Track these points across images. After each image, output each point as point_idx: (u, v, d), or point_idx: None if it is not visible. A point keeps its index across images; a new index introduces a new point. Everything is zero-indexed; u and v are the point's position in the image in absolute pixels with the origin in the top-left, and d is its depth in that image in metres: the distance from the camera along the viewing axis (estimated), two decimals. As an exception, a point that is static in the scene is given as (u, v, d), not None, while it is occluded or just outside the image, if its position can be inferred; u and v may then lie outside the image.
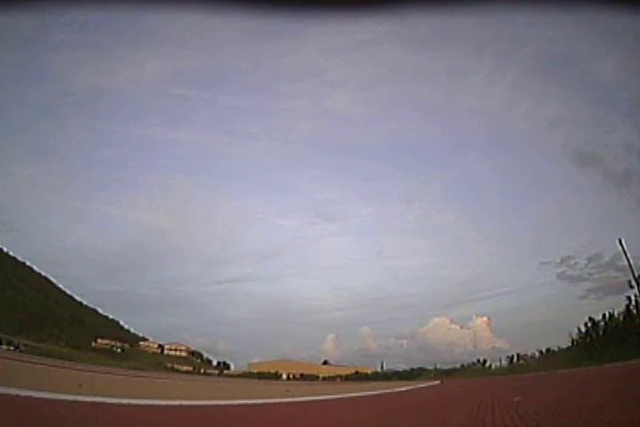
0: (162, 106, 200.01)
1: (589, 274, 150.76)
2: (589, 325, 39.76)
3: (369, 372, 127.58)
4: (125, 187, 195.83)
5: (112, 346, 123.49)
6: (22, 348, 27.96)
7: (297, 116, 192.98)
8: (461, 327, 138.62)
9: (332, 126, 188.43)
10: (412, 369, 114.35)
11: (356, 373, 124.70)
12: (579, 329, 40.91)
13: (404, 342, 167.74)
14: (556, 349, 51.60)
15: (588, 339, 39.21)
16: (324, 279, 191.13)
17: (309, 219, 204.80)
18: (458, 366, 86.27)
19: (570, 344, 47.07)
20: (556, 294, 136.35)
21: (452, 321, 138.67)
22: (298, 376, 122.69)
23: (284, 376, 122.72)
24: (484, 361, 73.66)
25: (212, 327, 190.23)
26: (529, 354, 59.88)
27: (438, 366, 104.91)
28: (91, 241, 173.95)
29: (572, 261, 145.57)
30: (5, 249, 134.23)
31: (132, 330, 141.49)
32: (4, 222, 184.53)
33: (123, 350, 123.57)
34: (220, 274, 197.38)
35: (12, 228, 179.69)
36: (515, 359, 61.65)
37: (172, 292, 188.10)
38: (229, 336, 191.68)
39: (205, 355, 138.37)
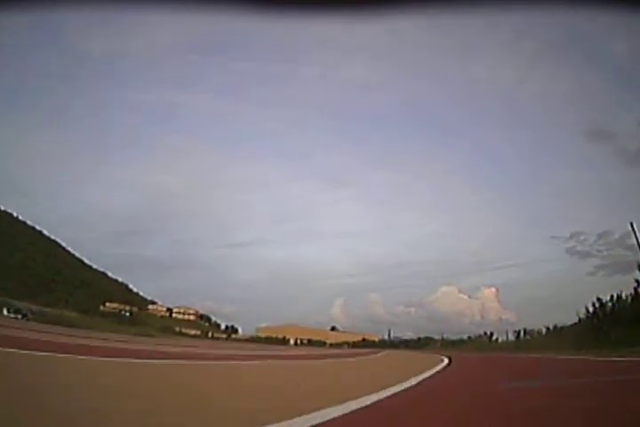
0: (176, 72, 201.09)
1: (598, 251, 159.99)
2: (597, 305, 37.14)
3: (376, 339, 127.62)
4: (138, 151, 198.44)
5: (120, 310, 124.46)
6: (29, 316, 26.29)
7: (311, 83, 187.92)
8: (470, 297, 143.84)
9: (345, 94, 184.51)
10: (420, 338, 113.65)
11: (364, 340, 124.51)
12: (586, 308, 38.40)
13: (413, 309, 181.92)
14: (563, 326, 50.17)
15: (595, 319, 36.83)
16: (333, 245, 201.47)
17: (321, 185, 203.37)
18: (465, 337, 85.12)
19: (577, 322, 44.74)
20: (565, 270, 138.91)
21: (460, 291, 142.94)
22: (305, 342, 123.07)
23: (292, 342, 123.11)
24: (491, 334, 71.99)
25: (221, 290, 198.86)
26: (535, 329, 58.11)
27: (445, 336, 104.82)
28: (102, 204, 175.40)
29: (581, 237, 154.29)
30: (15, 214, 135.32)
31: (140, 293, 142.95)
32: (17, 188, 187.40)
33: (131, 313, 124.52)
34: (230, 237, 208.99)
35: (24, 193, 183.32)
36: (522, 334, 59.28)
37: (181, 255, 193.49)
38: (237, 299, 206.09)
39: (213, 318, 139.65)
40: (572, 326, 44.74)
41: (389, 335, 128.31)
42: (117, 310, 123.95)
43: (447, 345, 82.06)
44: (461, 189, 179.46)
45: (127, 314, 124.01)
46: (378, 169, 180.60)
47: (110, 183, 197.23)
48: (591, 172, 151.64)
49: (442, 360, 18.33)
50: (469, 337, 79.33)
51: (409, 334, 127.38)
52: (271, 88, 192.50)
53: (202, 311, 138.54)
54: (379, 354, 39.48)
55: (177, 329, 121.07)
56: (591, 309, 37.86)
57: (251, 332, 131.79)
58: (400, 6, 1.76)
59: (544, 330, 57.98)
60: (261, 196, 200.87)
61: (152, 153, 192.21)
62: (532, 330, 60.44)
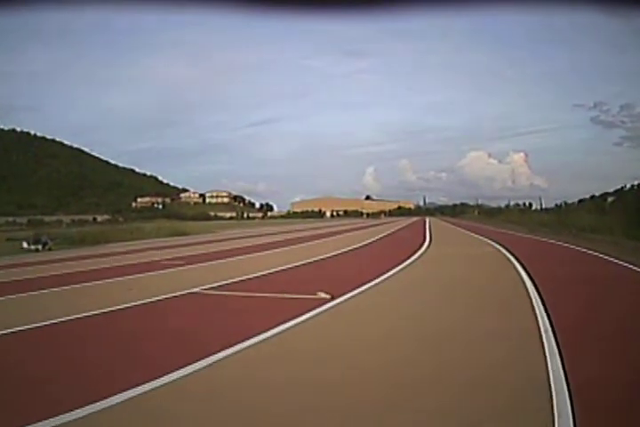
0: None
1: (622, 122, 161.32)
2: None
3: (411, 206, 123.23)
4: (143, 50, 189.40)
5: (153, 203, 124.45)
6: (50, 244, 21.92)
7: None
8: (499, 162, 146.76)
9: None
10: (455, 205, 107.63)
11: (399, 208, 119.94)
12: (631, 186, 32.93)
13: (444, 175, 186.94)
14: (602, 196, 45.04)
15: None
16: (358, 115, 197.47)
17: (338, 57, 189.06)
18: (502, 204, 79.07)
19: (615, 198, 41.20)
20: (591, 138, 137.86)
21: (490, 155, 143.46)
22: (341, 213, 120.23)
23: (328, 214, 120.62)
24: (530, 205, 64.65)
25: (251, 170, 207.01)
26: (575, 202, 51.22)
27: (480, 202, 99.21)
28: (117, 106, 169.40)
29: (604, 107, 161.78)
30: (32, 131, 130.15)
31: (171, 184, 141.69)
32: (28, 106, 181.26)
33: (164, 205, 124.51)
34: (253, 117, 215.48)
35: (36, 109, 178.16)
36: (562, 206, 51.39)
37: (206, 140, 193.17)
38: (269, 177, 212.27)
39: (247, 198, 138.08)
40: (612, 201, 41.10)
41: (424, 202, 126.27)
42: (150, 204, 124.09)
43: (485, 214, 75.03)
44: (482, 56, 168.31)
45: (159, 206, 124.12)
46: (395, 37, 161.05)
47: (122, 85, 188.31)
48: (612, 43, 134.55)
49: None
50: (507, 206, 73.61)
51: (443, 200, 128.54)
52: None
53: (235, 193, 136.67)
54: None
55: (212, 214, 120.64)
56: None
57: (287, 207, 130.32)
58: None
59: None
60: (278, 73, 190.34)
61: (157, 49, 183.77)
62: (573, 203, 53.46)
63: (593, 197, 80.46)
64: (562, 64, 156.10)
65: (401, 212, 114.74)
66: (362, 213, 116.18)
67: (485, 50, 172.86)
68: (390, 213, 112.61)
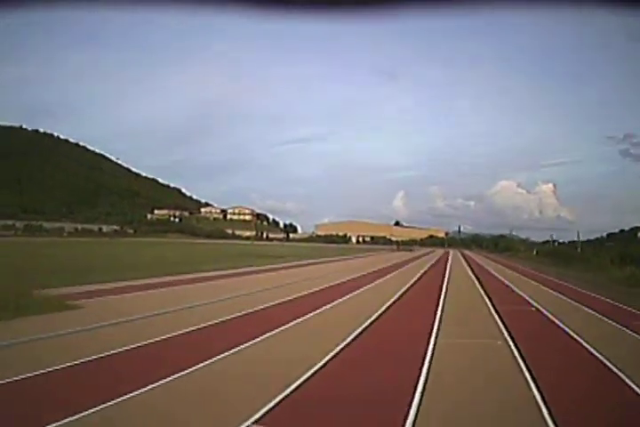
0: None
1: None
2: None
3: (443, 235, 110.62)
4: (181, 62, 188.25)
5: (170, 216, 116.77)
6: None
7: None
8: (528, 192, 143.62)
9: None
10: (493, 237, 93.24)
11: (431, 236, 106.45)
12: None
13: (472, 203, 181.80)
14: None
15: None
16: (391, 138, 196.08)
17: (375, 79, 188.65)
18: (548, 238, 67.64)
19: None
20: (619, 171, 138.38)
21: (518, 185, 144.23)
22: (368, 239, 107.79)
23: (354, 239, 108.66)
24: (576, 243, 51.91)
25: (281, 188, 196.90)
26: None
27: (526, 238, 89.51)
28: (150, 116, 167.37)
29: (634, 140, 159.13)
30: (56, 134, 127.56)
31: (194, 197, 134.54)
32: (59, 109, 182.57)
33: (180, 219, 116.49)
34: (287, 135, 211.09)
35: (67, 113, 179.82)
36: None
37: (238, 155, 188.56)
38: (299, 196, 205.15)
39: (271, 217, 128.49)
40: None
41: (459, 231, 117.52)
42: (167, 217, 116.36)
43: (531, 250, 60.45)
44: (514, 83, 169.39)
45: (176, 220, 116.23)
46: (430, 62, 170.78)
47: (157, 95, 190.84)
48: None
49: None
50: (554, 241, 60.89)
51: (469, 228, 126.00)
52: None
53: (261, 210, 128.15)
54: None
55: (229, 232, 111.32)
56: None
57: (311, 228, 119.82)
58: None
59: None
60: (314, 92, 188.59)
61: (194, 62, 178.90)
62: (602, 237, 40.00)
63: (622, 231, 73.96)
64: (593, 95, 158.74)
65: (432, 241, 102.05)
66: (391, 241, 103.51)
67: (517, 79, 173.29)
68: (421, 243, 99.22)
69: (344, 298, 13.18)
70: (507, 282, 21.69)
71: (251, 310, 10.20)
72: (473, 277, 24.27)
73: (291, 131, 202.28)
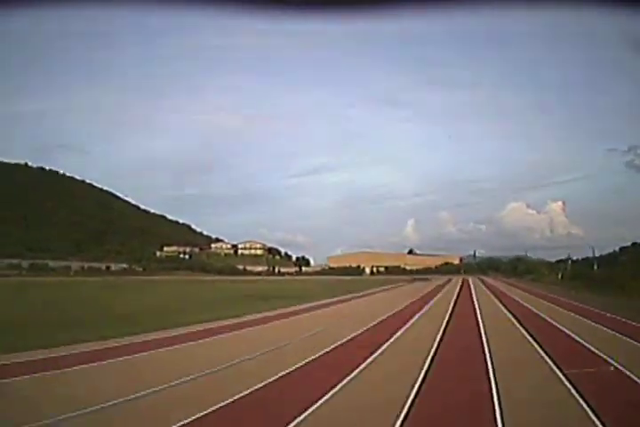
0: (215, 13, 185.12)
1: None
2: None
3: (457, 262, 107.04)
4: (188, 94, 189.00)
5: (180, 253, 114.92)
6: None
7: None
8: (538, 212, 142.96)
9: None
10: (510, 260, 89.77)
11: (446, 264, 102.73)
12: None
13: (483, 227, 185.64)
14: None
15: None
16: (398, 165, 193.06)
17: (378, 106, 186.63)
18: (559, 256, 64.97)
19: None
20: (626, 183, 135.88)
21: (528, 206, 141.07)
22: (382, 269, 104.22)
23: (367, 271, 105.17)
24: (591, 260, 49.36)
25: (291, 221, 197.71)
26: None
27: (539, 258, 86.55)
28: (159, 150, 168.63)
29: (639, 151, 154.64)
30: (61, 171, 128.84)
31: (204, 232, 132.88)
32: (67, 145, 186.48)
33: (190, 256, 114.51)
34: (295, 167, 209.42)
35: (75, 149, 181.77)
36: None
37: (247, 189, 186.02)
38: (309, 228, 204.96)
39: (283, 251, 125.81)
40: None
41: (474, 256, 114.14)
42: (176, 254, 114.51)
43: (554, 272, 56.64)
44: (515, 103, 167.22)
45: (186, 257, 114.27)
46: (433, 87, 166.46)
47: (165, 129, 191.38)
48: None
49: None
50: (570, 259, 57.81)
51: (481, 251, 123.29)
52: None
53: (271, 244, 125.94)
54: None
55: (241, 267, 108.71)
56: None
57: (324, 261, 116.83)
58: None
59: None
60: (320, 123, 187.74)
61: (202, 95, 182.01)
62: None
63: (635, 243, 71.49)
64: (595, 108, 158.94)
65: (448, 268, 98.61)
66: (405, 270, 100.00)
67: (518, 99, 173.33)
68: (436, 271, 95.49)
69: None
70: (552, 321, 16.46)
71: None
72: (510, 316, 18.50)
73: (299, 162, 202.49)
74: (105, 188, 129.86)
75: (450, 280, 62.84)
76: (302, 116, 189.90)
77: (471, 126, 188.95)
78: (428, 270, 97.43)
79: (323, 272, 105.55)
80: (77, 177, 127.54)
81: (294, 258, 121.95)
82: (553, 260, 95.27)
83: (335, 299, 28.93)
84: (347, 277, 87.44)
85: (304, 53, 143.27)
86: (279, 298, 28.22)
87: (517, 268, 77.12)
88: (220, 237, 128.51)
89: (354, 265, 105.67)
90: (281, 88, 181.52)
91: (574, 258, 75.79)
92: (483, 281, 60.67)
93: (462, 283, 51.89)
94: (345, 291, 36.76)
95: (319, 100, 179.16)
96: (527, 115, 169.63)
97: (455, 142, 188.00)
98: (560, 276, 51.81)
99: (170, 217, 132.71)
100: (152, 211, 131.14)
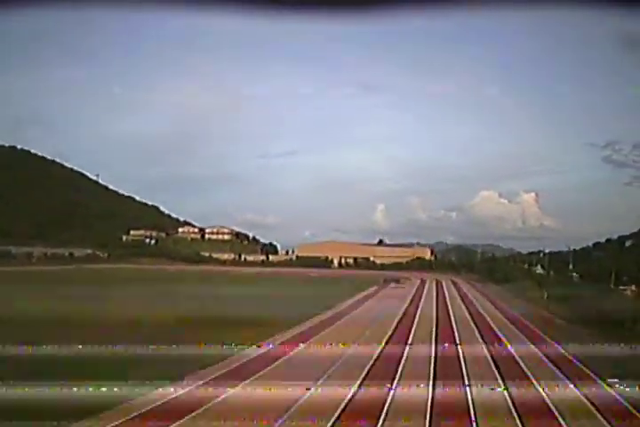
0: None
1: (634, 161, 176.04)
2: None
3: (429, 257, 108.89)
4: (162, 75, 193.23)
5: (146, 237, 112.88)
6: None
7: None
8: (509, 202, 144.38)
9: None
10: (484, 256, 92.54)
11: (417, 258, 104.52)
12: None
13: (454, 214, 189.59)
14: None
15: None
16: (370, 150, 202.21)
17: (353, 92, 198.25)
18: (530, 248, 68.38)
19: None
20: (602, 178, 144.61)
21: (500, 195, 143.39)
22: (350, 261, 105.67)
23: (335, 262, 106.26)
24: (574, 250, 52.49)
25: (261, 202, 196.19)
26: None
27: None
28: (133, 129, 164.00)
29: (616, 146, 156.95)
30: (33, 150, 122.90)
31: (172, 215, 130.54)
32: (39, 123, 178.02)
33: (156, 241, 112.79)
34: (268, 149, 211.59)
35: (45, 127, 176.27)
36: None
37: (218, 170, 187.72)
38: (279, 210, 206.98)
39: (251, 235, 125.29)
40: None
41: (446, 244, 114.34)
42: (142, 238, 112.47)
43: (532, 279, 58.22)
44: (492, 92, 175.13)
45: (152, 242, 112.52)
46: (407, 73, 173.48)
47: (138, 109, 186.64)
48: (625, 81, 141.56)
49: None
50: (540, 251, 60.68)
51: (451, 239, 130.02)
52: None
53: (241, 225, 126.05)
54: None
55: (207, 255, 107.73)
56: None
57: (293, 243, 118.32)
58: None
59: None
60: (295, 107, 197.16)
61: (178, 76, 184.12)
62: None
63: (609, 240, 73.96)
64: (574, 101, 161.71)
65: (420, 263, 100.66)
66: (374, 264, 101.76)
67: (496, 88, 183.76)
68: (408, 266, 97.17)
69: None
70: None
71: None
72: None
73: (271, 144, 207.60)
74: (75, 168, 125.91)
75: (423, 285, 63.58)
76: (275, 100, 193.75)
77: (445, 114, 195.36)
78: (398, 266, 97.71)
79: (290, 263, 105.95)
80: (48, 157, 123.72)
81: (261, 245, 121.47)
82: (524, 251, 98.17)
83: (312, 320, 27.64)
84: (314, 269, 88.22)
85: (279, 40, 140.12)
86: (254, 325, 22.76)
87: (493, 270, 75.79)
88: (189, 220, 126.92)
89: (322, 256, 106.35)
90: (255, 72, 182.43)
91: (547, 251, 77.73)
92: (458, 291, 58.14)
93: (438, 296, 50.18)
94: (307, 309, 31.95)
95: (293, 85, 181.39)
96: (506, 105, 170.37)
97: (429, 129, 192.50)
98: (545, 296, 45.29)
99: (138, 198, 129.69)
100: (121, 192, 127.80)
